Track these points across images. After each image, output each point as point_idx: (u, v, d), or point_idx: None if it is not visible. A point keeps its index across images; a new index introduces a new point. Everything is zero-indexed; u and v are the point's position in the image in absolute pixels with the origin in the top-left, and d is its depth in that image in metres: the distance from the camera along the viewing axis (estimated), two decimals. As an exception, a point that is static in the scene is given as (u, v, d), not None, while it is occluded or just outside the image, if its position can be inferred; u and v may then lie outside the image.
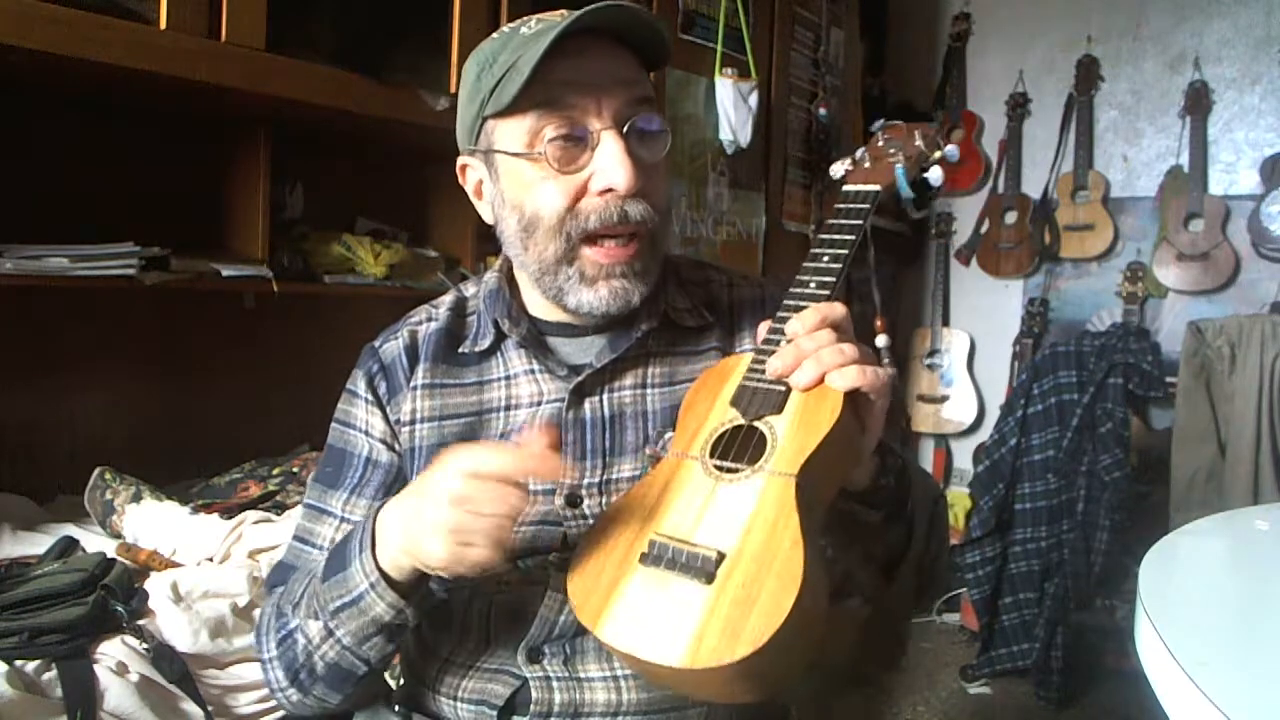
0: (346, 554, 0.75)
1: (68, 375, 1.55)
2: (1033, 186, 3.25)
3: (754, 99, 2.31)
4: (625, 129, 0.78)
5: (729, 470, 0.69)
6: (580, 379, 0.84)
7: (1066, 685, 2.60)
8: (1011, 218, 3.26)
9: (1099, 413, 2.63)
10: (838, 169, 0.87)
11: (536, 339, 0.87)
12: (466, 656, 0.84)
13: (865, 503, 0.77)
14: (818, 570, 0.62)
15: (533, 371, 0.87)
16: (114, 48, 1.18)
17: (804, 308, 0.73)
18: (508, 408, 0.86)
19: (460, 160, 0.88)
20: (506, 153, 0.80)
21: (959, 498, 3.25)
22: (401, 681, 0.93)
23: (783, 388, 0.71)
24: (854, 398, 0.68)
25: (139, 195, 1.58)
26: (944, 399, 3.41)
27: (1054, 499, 2.69)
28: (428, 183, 1.98)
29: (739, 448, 0.70)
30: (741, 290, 0.94)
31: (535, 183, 0.79)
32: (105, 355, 1.60)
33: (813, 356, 0.69)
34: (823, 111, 2.73)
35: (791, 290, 0.77)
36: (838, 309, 0.72)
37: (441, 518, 0.65)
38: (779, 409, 0.70)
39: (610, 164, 0.77)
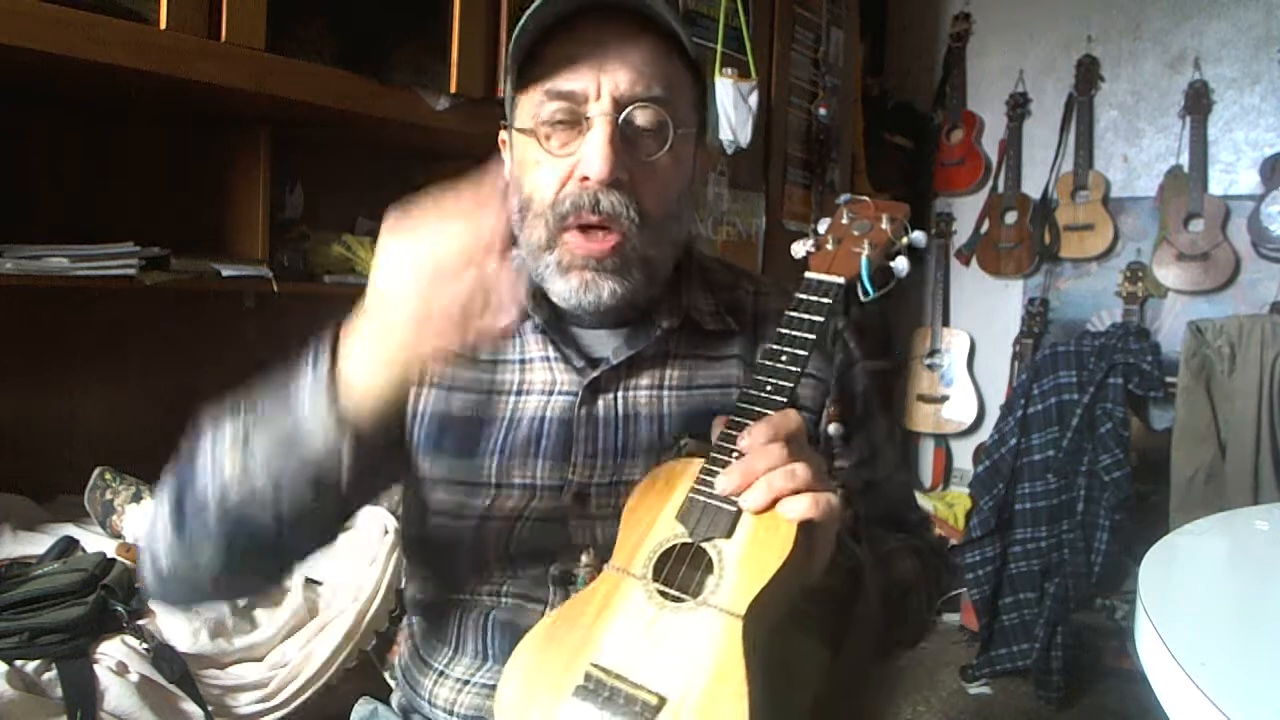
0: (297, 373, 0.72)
1: (68, 375, 1.55)
2: (1033, 186, 3.25)
3: (754, 99, 2.31)
4: (621, 117, 0.76)
5: (672, 598, 0.65)
6: (595, 375, 0.83)
7: (1066, 685, 2.60)
8: (1011, 217, 3.26)
9: (1099, 413, 2.63)
10: (799, 249, 0.82)
11: (556, 324, 0.85)
12: (463, 671, 0.83)
13: (812, 599, 0.72)
14: (764, 715, 0.59)
15: (548, 359, 0.85)
16: (114, 48, 1.18)
17: (758, 413, 0.70)
18: (518, 392, 0.85)
19: (501, 134, 0.89)
20: (517, 129, 0.81)
21: (959, 498, 3.25)
22: (398, 684, 0.93)
23: (733, 507, 0.67)
24: (805, 524, 0.65)
25: (139, 195, 1.58)
26: (944, 399, 3.41)
27: (1054, 499, 2.69)
28: (428, 183, 1.98)
29: (685, 571, 0.66)
30: (769, 300, 0.91)
31: (532, 165, 0.79)
32: (105, 355, 1.60)
33: (764, 479, 0.65)
34: (823, 111, 2.73)
35: (747, 391, 0.73)
36: (791, 420, 0.68)
37: (438, 297, 0.62)
38: (728, 532, 0.66)
39: (590, 151, 0.76)
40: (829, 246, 0.80)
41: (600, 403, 0.83)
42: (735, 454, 0.68)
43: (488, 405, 0.84)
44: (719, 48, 2.27)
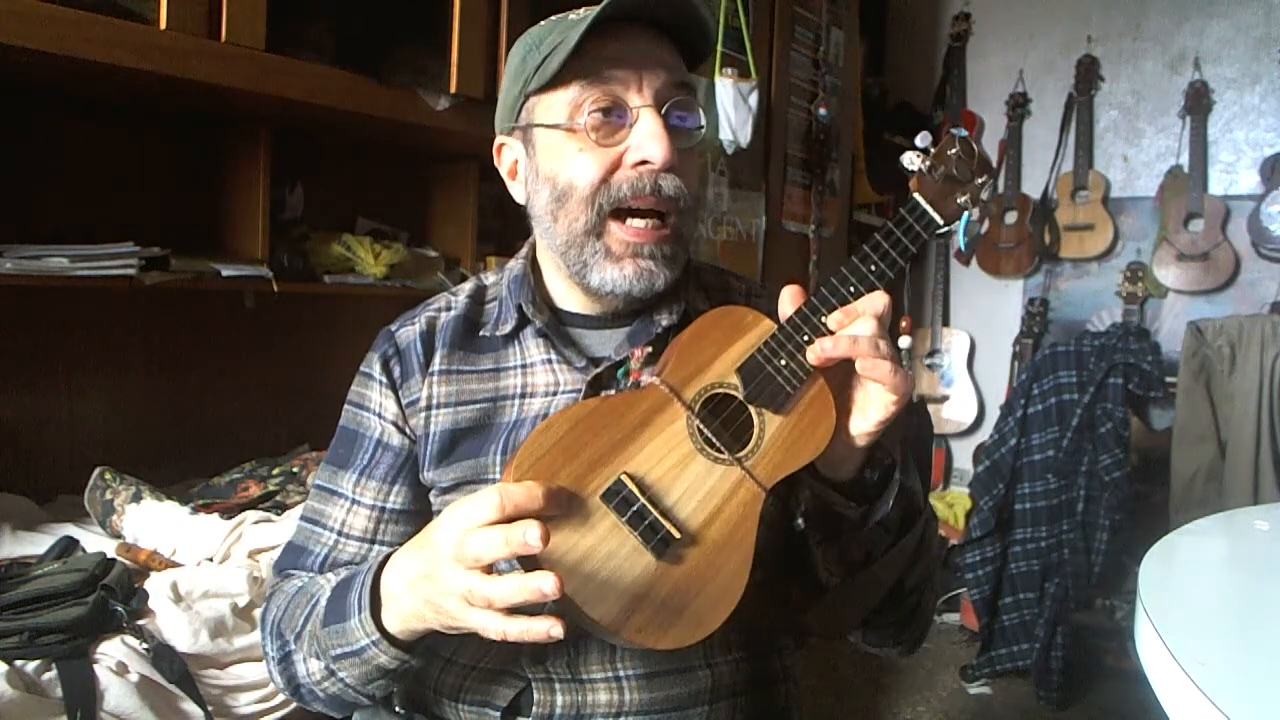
0: (346, 606, 0.74)
1: (68, 375, 1.55)
2: (1033, 186, 3.25)
3: (754, 99, 2.31)
4: (664, 110, 0.80)
5: (712, 445, 0.69)
6: (598, 370, 0.85)
7: (1066, 685, 2.60)
8: (1011, 218, 3.26)
9: (1099, 413, 2.62)
10: (911, 160, 0.79)
11: (557, 328, 0.88)
12: (469, 658, 0.84)
13: (844, 494, 0.76)
14: (755, 593, 0.67)
15: (550, 361, 0.87)
16: (114, 48, 1.18)
17: (835, 305, 0.72)
18: (523, 395, 0.86)
19: (498, 140, 0.90)
20: (545, 125, 0.82)
21: (959, 498, 3.25)
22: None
23: (790, 389, 0.71)
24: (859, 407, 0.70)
25: (139, 195, 1.58)
26: (944, 399, 3.41)
27: (1054, 499, 2.69)
28: (428, 183, 1.98)
29: (729, 425, 0.71)
30: (759, 301, 0.94)
31: (571, 154, 0.81)
32: (105, 355, 1.60)
33: (852, 337, 0.69)
34: (823, 111, 2.73)
35: (833, 281, 0.73)
36: (882, 300, 0.71)
37: (453, 582, 0.63)
38: (779, 408, 0.70)
39: (646, 138, 0.79)
40: (935, 176, 0.78)
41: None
42: (812, 329, 0.71)
43: (493, 412, 0.86)
44: (719, 48, 2.27)
